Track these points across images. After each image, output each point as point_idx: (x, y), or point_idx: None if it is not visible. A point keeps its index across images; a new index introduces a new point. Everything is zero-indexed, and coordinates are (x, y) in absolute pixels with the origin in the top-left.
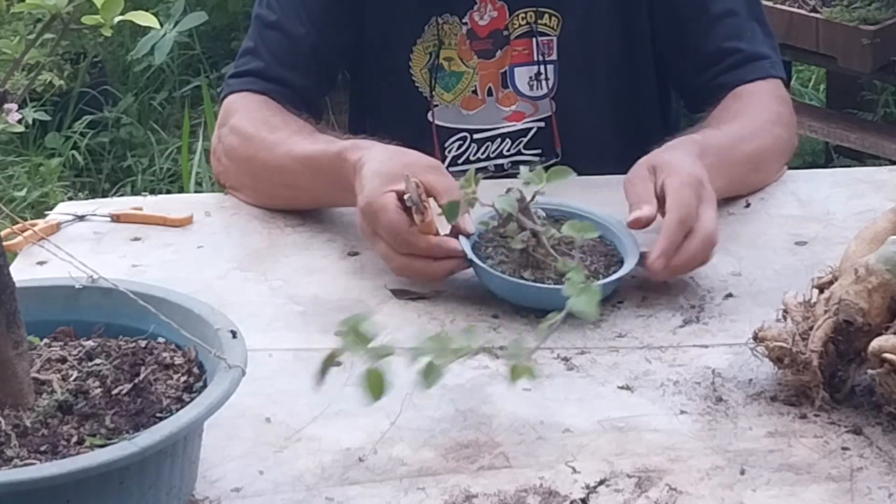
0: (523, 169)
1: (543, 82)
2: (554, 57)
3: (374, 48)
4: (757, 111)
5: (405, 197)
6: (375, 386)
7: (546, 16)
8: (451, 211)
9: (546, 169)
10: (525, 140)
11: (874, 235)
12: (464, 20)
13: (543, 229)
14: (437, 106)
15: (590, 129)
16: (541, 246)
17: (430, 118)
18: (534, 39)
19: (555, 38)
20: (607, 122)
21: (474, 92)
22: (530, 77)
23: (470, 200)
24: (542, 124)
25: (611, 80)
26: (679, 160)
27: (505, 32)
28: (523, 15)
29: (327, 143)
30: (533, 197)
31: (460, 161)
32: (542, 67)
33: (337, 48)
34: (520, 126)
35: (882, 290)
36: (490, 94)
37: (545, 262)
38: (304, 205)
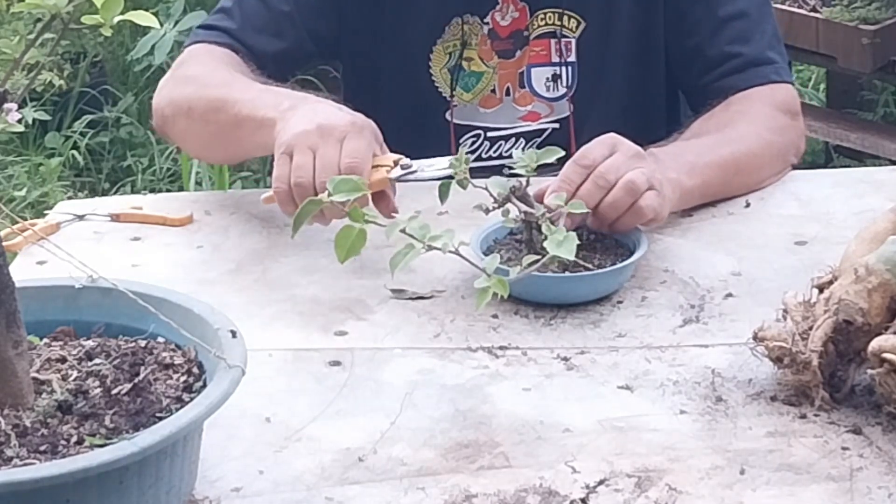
0: (516, 152)
1: (561, 83)
2: (573, 58)
3: (392, 47)
4: (744, 120)
5: (402, 163)
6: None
7: (566, 17)
8: (443, 191)
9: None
10: (539, 140)
11: (874, 235)
12: (485, 20)
13: (538, 212)
14: (455, 106)
15: (605, 130)
16: (539, 232)
17: (448, 117)
18: (552, 41)
19: (574, 40)
20: (621, 123)
21: (493, 91)
22: (547, 78)
23: (461, 182)
24: (556, 125)
25: (626, 80)
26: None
27: (525, 33)
28: (543, 16)
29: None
30: (528, 182)
31: (472, 158)
32: (560, 69)
33: (317, 38)
34: (535, 126)
35: (882, 289)
36: (508, 93)
37: (549, 259)
38: (222, 132)
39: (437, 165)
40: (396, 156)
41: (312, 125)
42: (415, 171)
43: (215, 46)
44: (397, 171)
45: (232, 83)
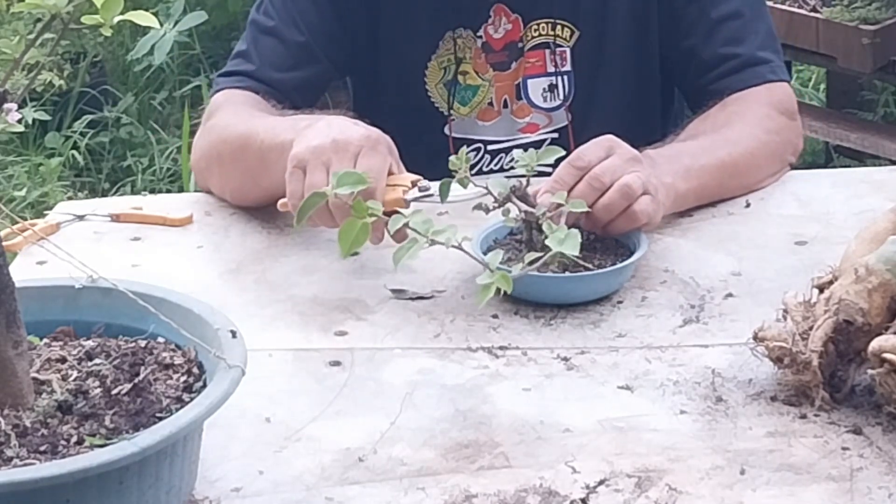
0: (517, 152)
1: (558, 93)
2: (568, 67)
3: (389, 65)
4: (741, 121)
5: (420, 185)
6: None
7: (559, 27)
8: (443, 190)
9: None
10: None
11: (874, 235)
12: (478, 34)
13: (539, 212)
14: (453, 120)
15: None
16: (539, 231)
17: (446, 132)
18: (547, 51)
19: (568, 49)
20: (618, 129)
21: (490, 104)
22: (544, 88)
23: (462, 181)
24: (555, 135)
25: (623, 86)
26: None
27: (519, 44)
28: (537, 26)
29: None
30: (528, 182)
31: (473, 172)
32: (556, 79)
33: (335, 62)
34: (534, 137)
35: (882, 289)
36: (506, 105)
37: (550, 257)
38: (251, 169)
39: (456, 191)
40: (414, 176)
41: (327, 140)
42: (432, 195)
43: (236, 91)
44: (414, 193)
45: (251, 120)
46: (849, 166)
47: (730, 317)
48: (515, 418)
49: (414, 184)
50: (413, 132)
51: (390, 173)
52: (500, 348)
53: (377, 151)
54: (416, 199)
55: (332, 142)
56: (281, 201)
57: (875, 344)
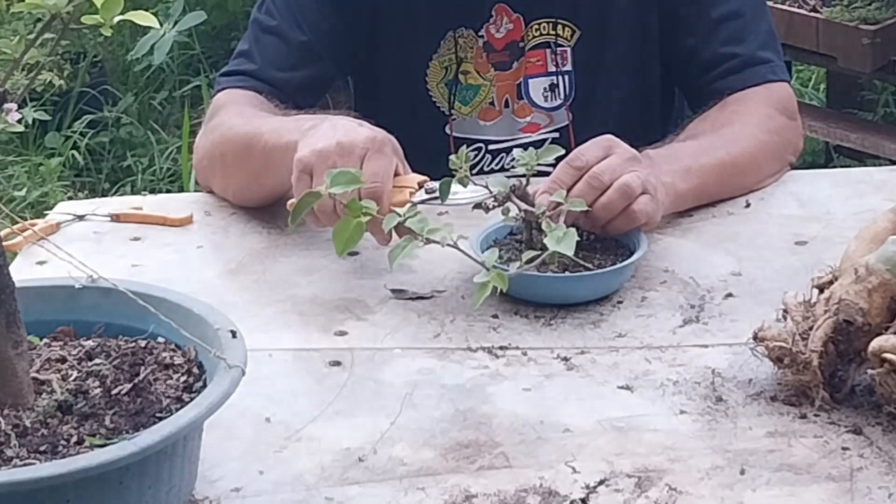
0: (516, 151)
1: (559, 93)
2: (569, 67)
3: (390, 64)
4: (740, 120)
5: (427, 187)
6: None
7: (560, 26)
8: (443, 189)
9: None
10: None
11: (874, 235)
12: (480, 33)
13: (538, 211)
14: (454, 119)
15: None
16: (539, 231)
17: (447, 131)
18: (548, 51)
19: (569, 49)
20: (619, 128)
21: (491, 103)
22: (545, 88)
23: (462, 180)
24: (556, 135)
25: (623, 85)
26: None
27: (521, 44)
28: (538, 26)
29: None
30: (528, 181)
31: (474, 172)
32: (557, 78)
33: (337, 61)
34: (535, 137)
35: (882, 289)
36: (507, 105)
37: (549, 257)
38: (255, 169)
39: (462, 192)
40: (421, 177)
41: (332, 142)
42: (438, 196)
43: (238, 90)
44: (420, 195)
45: (255, 120)
46: (849, 166)
47: (730, 317)
48: (515, 418)
49: (420, 185)
50: (414, 132)
51: (396, 174)
52: (500, 348)
53: (383, 153)
54: (422, 202)
55: (338, 144)
56: (290, 201)
57: (875, 344)
